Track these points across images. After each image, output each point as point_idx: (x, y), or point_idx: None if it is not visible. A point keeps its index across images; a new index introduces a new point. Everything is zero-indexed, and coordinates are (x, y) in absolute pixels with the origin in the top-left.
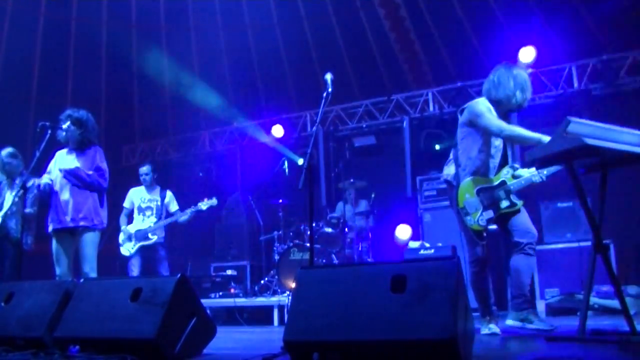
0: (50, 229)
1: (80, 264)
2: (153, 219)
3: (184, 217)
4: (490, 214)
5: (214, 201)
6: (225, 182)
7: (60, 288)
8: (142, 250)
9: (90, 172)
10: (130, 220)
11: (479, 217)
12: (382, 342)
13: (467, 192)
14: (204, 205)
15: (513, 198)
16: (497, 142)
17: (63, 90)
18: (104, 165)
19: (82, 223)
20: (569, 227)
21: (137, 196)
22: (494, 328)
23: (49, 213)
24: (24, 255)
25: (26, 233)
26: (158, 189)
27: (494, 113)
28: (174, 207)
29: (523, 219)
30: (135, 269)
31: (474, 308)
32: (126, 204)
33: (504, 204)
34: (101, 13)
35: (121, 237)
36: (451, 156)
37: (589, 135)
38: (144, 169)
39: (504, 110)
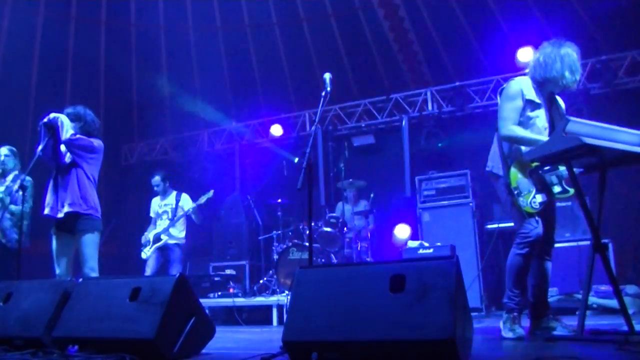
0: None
1: (81, 265)
2: (167, 221)
3: (180, 217)
4: (543, 197)
5: (210, 193)
6: (224, 182)
7: (59, 287)
8: (158, 252)
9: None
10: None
11: (531, 200)
12: (380, 342)
13: (520, 172)
14: (202, 199)
15: (565, 185)
16: (541, 124)
17: (62, 89)
18: (96, 143)
19: (69, 209)
20: (567, 227)
21: (155, 204)
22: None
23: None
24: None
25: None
26: (173, 193)
27: (533, 94)
28: (187, 206)
29: (556, 219)
30: (149, 270)
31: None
32: (151, 214)
33: (557, 189)
34: (101, 13)
35: (142, 242)
36: (495, 141)
37: (588, 135)
38: (155, 180)
39: (549, 90)
